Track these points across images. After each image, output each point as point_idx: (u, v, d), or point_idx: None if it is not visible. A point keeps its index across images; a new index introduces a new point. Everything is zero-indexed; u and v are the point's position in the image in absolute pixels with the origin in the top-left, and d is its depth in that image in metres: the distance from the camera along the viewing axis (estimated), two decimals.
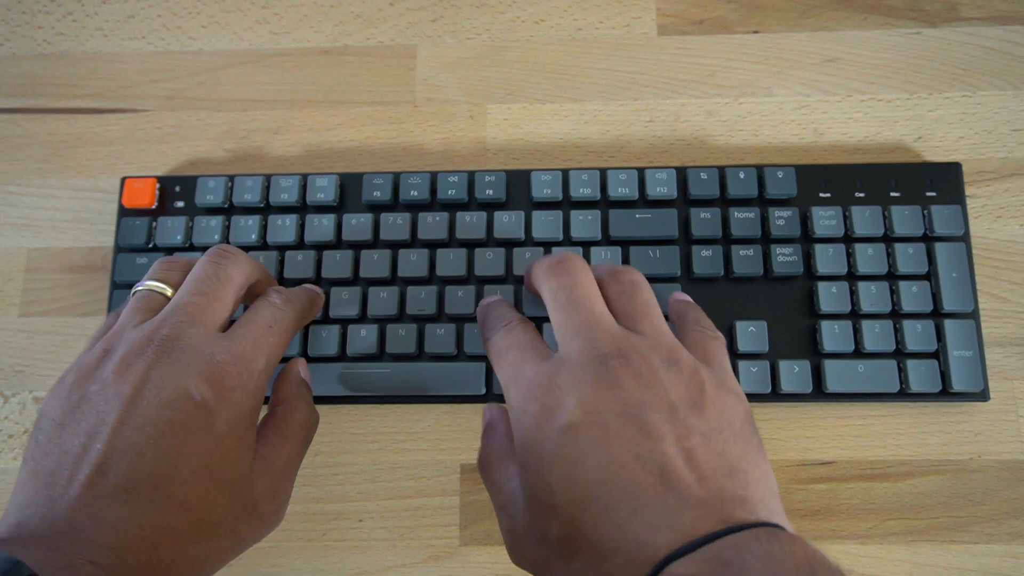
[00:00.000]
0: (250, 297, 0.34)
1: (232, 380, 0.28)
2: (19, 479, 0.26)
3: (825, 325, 0.40)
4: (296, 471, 0.31)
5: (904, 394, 0.39)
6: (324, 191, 0.43)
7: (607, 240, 0.42)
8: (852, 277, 0.41)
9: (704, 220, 0.41)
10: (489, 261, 0.41)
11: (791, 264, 0.41)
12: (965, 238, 0.41)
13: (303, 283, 0.42)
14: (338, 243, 0.42)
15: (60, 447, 0.26)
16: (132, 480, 0.25)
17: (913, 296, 0.40)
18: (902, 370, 0.39)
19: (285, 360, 0.38)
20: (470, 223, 0.42)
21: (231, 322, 0.31)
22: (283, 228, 0.42)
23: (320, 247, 0.42)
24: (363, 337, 0.41)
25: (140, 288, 0.31)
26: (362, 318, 0.41)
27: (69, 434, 0.26)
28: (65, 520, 0.24)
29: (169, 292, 0.31)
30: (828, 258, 0.41)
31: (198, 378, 0.27)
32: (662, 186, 0.42)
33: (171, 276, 0.32)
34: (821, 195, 0.42)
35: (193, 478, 0.26)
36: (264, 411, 0.34)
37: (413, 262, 0.42)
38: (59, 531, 0.24)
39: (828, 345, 0.40)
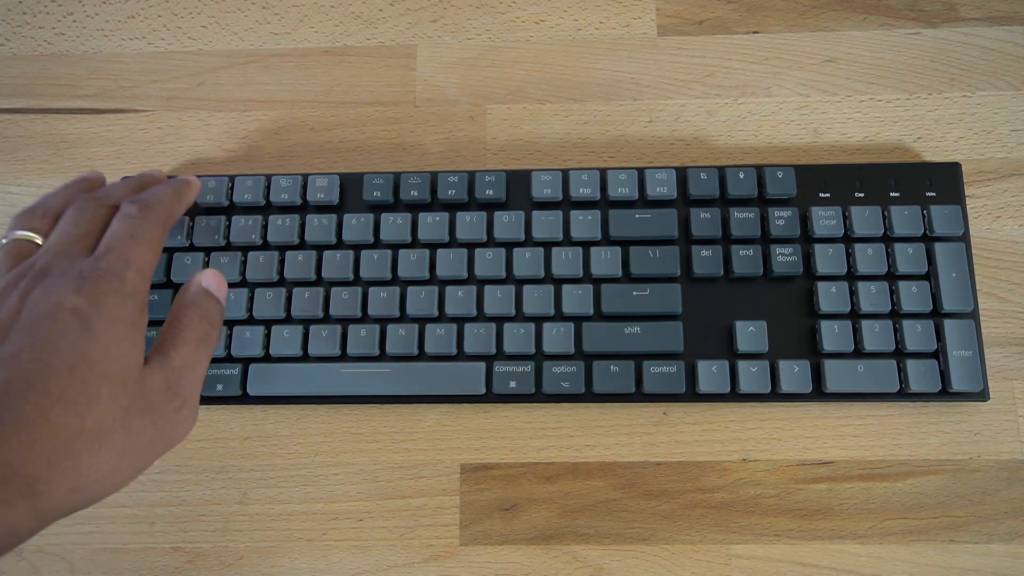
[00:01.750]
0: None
1: (103, 286, 0.29)
2: None
3: (825, 325, 0.40)
4: (198, 371, 0.32)
5: (904, 394, 0.40)
6: (324, 191, 0.43)
7: (607, 240, 0.42)
8: (852, 277, 0.41)
9: (704, 220, 0.41)
10: (489, 261, 0.41)
11: (791, 264, 0.41)
12: (965, 238, 0.41)
13: (304, 285, 0.42)
14: (338, 243, 0.42)
15: None
16: (5, 383, 0.26)
17: (913, 296, 0.40)
18: (902, 370, 0.39)
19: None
20: (470, 223, 0.42)
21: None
22: (283, 228, 0.42)
23: (320, 247, 0.42)
24: (363, 337, 0.41)
25: (6, 239, 0.33)
26: (362, 318, 0.41)
27: None
28: None
29: (39, 239, 0.33)
30: (828, 258, 0.41)
31: (70, 292, 0.28)
32: (662, 186, 0.42)
33: (40, 224, 0.33)
34: (821, 195, 0.42)
35: (70, 372, 0.26)
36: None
37: (413, 262, 0.42)
38: None
39: (828, 345, 0.40)
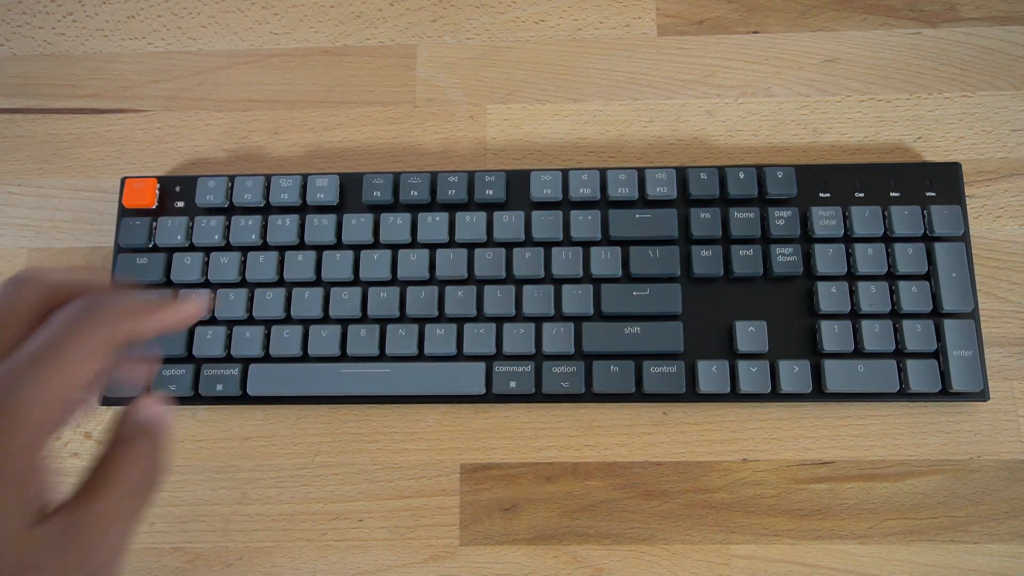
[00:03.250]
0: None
1: None
2: None
3: (825, 325, 0.40)
4: (125, 530, 0.24)
5: (904, 394, 0.40)
6: (324, 191, 0.43)
7: (607, 240, 0.42)
8: (852, 277, 0.41)
9: (704, 220, 0.41)
10: (489, 261, 0.41)
11: (791, 264, 0.41)
12: (965, 238, 0.41)
13: (304, 286, 0.42)
14: (338, 243, 0.42)
15: None
16: None
17: (913, 296, 0.40)
18: (902, 370, 0.39)
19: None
20: (470, 223, 0.42)
21: None
22: (283, 228, 0.42)
23: (320, 247, 0.42)
24: (363, 337, 0.41)
25: None
26: (362, 318, 0.41)
27: None
28: None
29: None
30: (828, 258, 0.41)
31: None
32: (662, 186, 0.42)
33: None
34: (821, 195, 0.42)
35: None
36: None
37: (413, 262, 0.42)
38: None
39: (828, 345, 0.40)
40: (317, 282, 0.42)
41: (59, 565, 0.22)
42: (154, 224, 0.43)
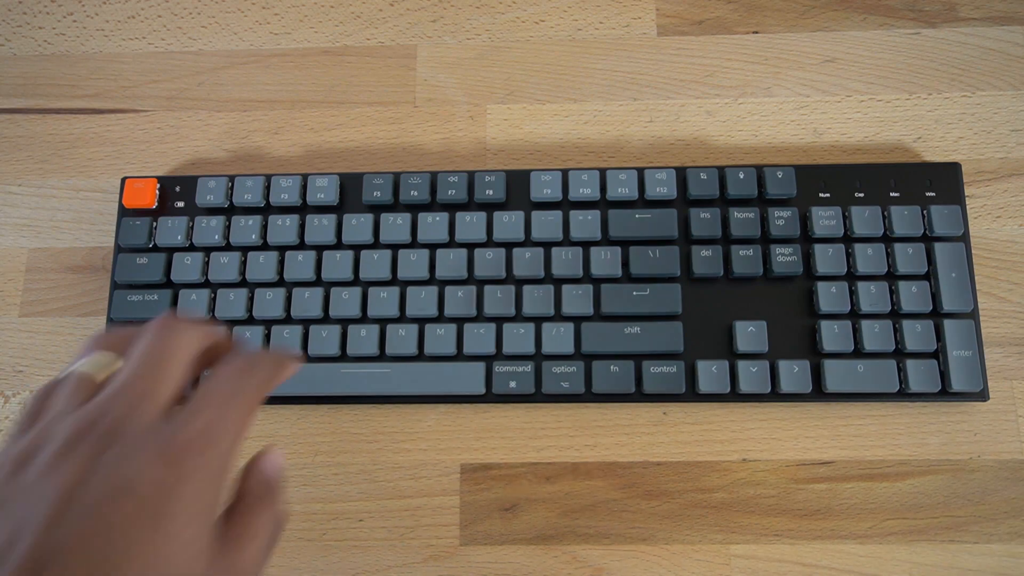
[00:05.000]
0: (206, 365, 0.29)
1: (194, 460, 0.24)
2: None
3: (824, 325, 0.40)
4: (261, 573, 0.28)
5: (903, 394, 0.40)
6: (324, 191, 0.43)
7: (607, 240, 0.42)
8: (851, 277, 0.41)
9: (704, 220, 0.41)
10: (489, 261, 0.41)
11: (790, 264, 0.41)
12: (964, 238, 0.41)
13: (304, 286, 0.42)
14: (338, 243, 0.42)
15: None
16: None
17: (912, 296, 0.40)
18: (901, 370, 0.39)
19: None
20: (470, 223, 0.42)
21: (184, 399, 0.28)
22: (283, 228, 0.42)
23: (320, 247, 0.42)
24: (363, 337, 0.41)
25: (74, 369, 0.27)
26: (362, 318, 0.41)
27: None
28: None
29: (104, 375, 0.27)
30: (827, 258, 0.41)
31: (154, 460, 0.23)
32: (662, 186, 0.42)
33: (107, 357, 0.27)
34: (820, 195, 0.42)
35: None
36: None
37: (413, 263, 0.42)
38: None
39: (828, 345, 0.40)
40: (317, 282, 0.42)
41: None
42: (154, 224, 0.43)
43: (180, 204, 0.44)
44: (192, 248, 0.43)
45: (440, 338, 0.41)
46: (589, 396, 0.40)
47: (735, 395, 0.40)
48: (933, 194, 0.42)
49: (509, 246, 0.42)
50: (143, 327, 0.27)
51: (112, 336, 0.28)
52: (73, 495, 0.22)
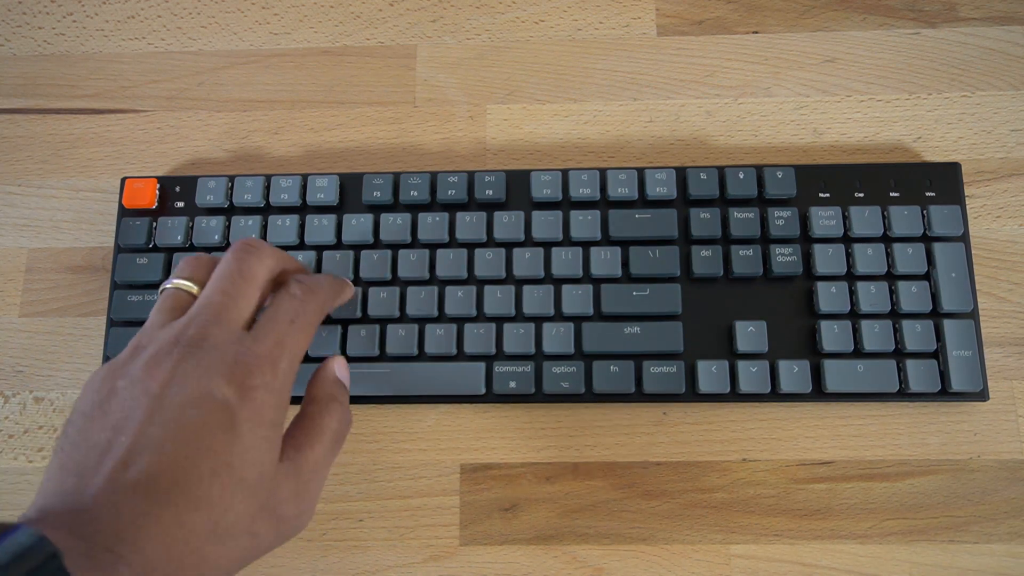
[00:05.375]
0: (276, 285, 0.34)
1: (255, 379, 0.28)
2: (48, 470, 0.27)
3: (824, 325, 0.40)
4: (324, 475, 0.31)
5: (903, 394, 0.40)
6: (324, 191, 0.43)
7: (607, 240, 0.42)
8: (851, 277, 0.41)
9: (704, 220, 0.41)
10: (489, 261, 0.41)
11: (790, 264, 0.41)
12: (964, 238, 0.41)
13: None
14: (338, 244, 0.42)
15: (87, 440, 0.26)
16: (151, 476, 0.25)
17: (912, 296, 0.40)
18: (901, 370, 0.40)
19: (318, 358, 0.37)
20: (470, 223, 0.42)
21: (256, 318, 0.32)
22: (283, 229, 0.42)
23: (320, 248, 0.42)
24: (363, 337, 0.41)
25: (168, 286, 0.32)
26: (362, 318, 0.41)
27: (96, 428, 0.27)
28: (87, 509, 0.25)
29: (195, 290, 0.32)
30: (827, 258, 0.41)
31: (221, 378, 0.27)
32: (662, 186, 0.42)
33: (197, 274, 0.32)
34: (820, 195, 0.42)
35: (211, 476, 0.26)
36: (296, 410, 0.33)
37: (413, 263, 0.42)
38: (81, 519, 0.24)
39: (827, 345, 0.40)
40: None
41: (288, 495, 0.29)
42: (154, 224, 0.43)
43: (180, 204, 0.44)
44: (192, 248, 0.43)
45: (440, 338, 0.41)
46: (589, 396, 0.40)
47: (735, 395, 0.40)
48: (933, 194, 0.42)
49: (509, 246, 0.42)
50: (229, 249, 0.32)
51: (196, 261, 0.33)
52: (163, 397, 0.27)
